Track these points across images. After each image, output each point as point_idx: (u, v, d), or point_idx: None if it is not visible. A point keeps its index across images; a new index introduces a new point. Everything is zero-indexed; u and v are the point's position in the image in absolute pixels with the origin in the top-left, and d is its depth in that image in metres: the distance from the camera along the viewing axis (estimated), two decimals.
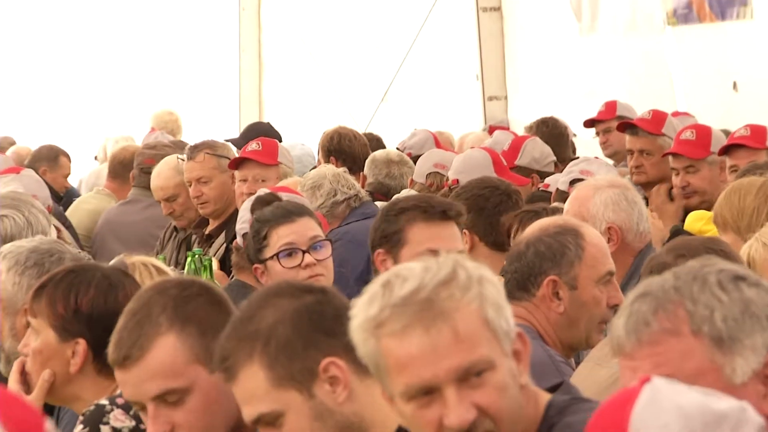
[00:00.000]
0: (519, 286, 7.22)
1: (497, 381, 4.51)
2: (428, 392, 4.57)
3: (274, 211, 8.90)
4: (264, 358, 5.02)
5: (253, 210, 9.29)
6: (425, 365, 4.57)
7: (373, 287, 4.69)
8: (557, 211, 8.63)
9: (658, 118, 12.82)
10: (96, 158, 16.89)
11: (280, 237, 8.03)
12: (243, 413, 5.06)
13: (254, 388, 5.01)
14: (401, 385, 4.62)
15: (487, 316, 4.62)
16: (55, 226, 9.15)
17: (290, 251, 7.90)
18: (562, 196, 9.67)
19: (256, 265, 8.06)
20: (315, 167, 12.83)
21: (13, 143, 18.86)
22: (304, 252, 8.02)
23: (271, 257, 8.05)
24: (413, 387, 4.58)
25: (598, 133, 13.98)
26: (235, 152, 13.06)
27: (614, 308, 7.14)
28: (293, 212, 8.74)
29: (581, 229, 7.37)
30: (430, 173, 12.85)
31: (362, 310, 4.65)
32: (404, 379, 4.60)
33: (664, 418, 3.72)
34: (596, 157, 12.91)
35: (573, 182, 10.19)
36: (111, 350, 5.57)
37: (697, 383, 4.20)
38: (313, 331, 5.09)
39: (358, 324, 4.67)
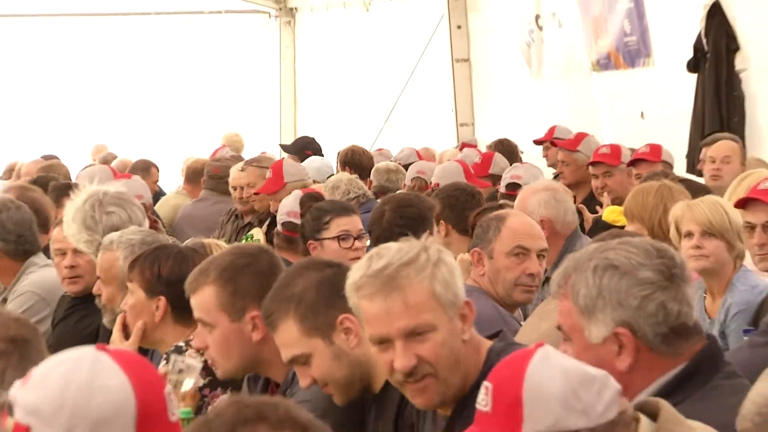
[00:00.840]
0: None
1: (437, 339, 4.75)
2: (384, 342, 4.83)
3: (334, 205, 8.94)
4: (297, 315, 5.20)
5: (302, 203, 9.25)
6: (382, 324, 4.83)
7: (363, 258, 5.00)
8: (506, 206, 8.64)
9: (577, 138, 12.98)
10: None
11: (339, 225, 7.99)
12: (282, 355, 5.25)
13: (289, 337, 5.20)
14: (369, 334, 4.95)
15: (435, 291, 4.80)
16: (153, 219, 9.13)
17: (346, 237, 7.86)
18: (504, 196, 9.79)
19: (311, 242, 7.94)
20: (331, 175, 12.91)
21: (104, 149, 18.77)
22: (354, 239, 8.03)
23: (332, 238, 8.00)
24: (375, 337, 4.88)
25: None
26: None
27: (530, 275, 7.40)
28: (349, 209, 8.72)
29: (506, 217, 7.51)
30: (414, 178, 13.04)
31: (352, 274, 4.94)
32: (370, 330, 4.92)
33: (552, 372, 3.74)
34: (524, 163, 13.23)
35: (508, 186, 10.48)
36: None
37: (572, 336, 4.56)
38: (332, 295, 5.19)
39: (348, 285, 4.95)
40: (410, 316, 4.79)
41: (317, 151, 15.79)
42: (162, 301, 6.46)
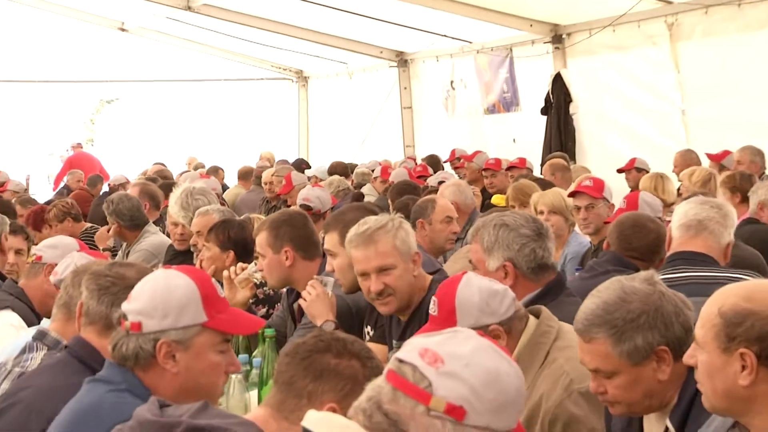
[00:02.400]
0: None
1: (396, 273, 4.80)
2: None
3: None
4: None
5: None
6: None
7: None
8: (434, 195, 8.51)
9: (473, 154, 13.00)
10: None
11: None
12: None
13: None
14: (355, 270, 4.95)
15: (396, 245, 4.84)
16: (222, 202, 9.07)
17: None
18: (433, 189, 9.60)
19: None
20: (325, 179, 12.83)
21: (195, 160, 18.50)
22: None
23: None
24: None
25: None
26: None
27: (454, 233, 7.37)
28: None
29: (436, 200, 7.51)
30: (376, 177, 12.82)
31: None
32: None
33: (472, 290, 3.81)
34: (444, 170, 13.21)
35: (439, 183, 10.14)
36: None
37: (479, 266, 4.63)
38: None
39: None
40: (380, 259, 4.84)
41: (308, 165, 15.90)
42: (230, 254, 6.26)
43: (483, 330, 3.61)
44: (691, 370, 3.03)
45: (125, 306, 3.20)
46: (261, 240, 5.61)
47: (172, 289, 3.18)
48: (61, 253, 5.09)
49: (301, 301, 5.23)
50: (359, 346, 2.95)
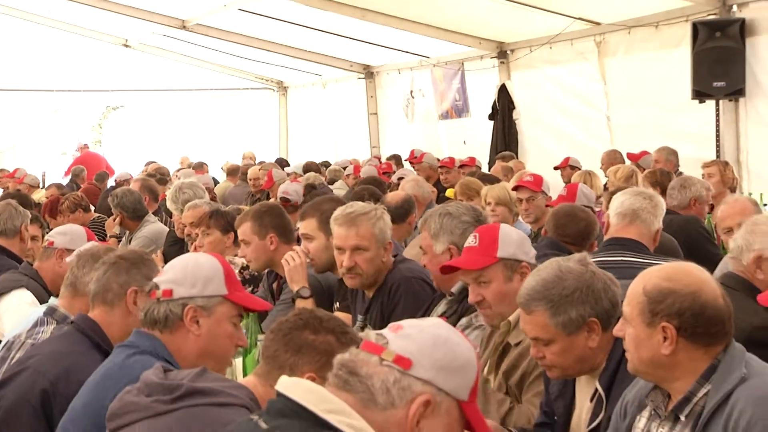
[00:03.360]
0: None
1: (368, 256, 4.71)
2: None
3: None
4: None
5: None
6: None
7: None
8: (396, 189, 8.57)
9: (423, 155, 12.88)
10: (221, 168, 16.62)
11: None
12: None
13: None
14: (334, 244, 4.86)
15: (374, 231, 4.75)
16: (212, 196, 9.08)
17: None
18: (396, 185, 9.54)
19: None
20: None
21: (187, 159, 18.24)
22: None
23: None
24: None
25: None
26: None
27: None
28: None
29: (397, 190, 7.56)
30: (348, 174, 12.75)
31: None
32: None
33: (511, 230, 3.96)
34: (404, 168, 12.90)
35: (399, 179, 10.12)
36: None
37: (427, 250, 4.57)
38: None
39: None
40: (356, 240, 4.77)
41: (287, 164, 15.84)
42: (232, 235, 6.23)
43: (514, 265, 3.83)
44: (618, 339, 3.05)
45: (157, 279, 3.22)
46: (246, 229, 5.53)
47: (200, 264, 3.22)
48: (70, 239, 5.15)
49: (283, 263, 5.16)
50: (334, 322, 2.91)
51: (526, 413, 3.67)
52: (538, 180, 7.52)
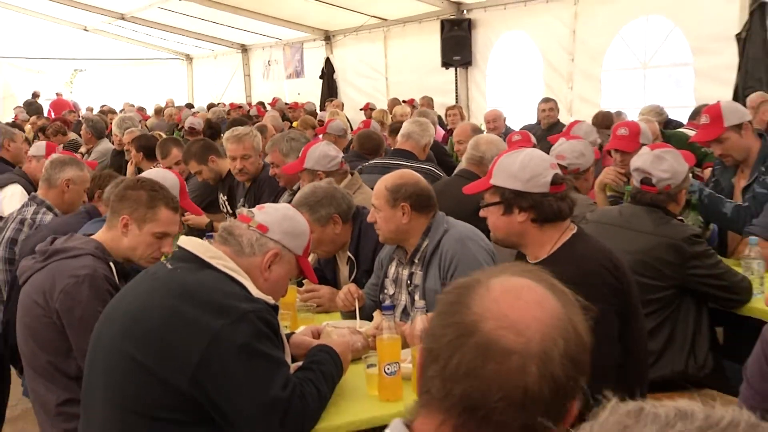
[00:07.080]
0: None
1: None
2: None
3: None
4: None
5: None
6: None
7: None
8: None
9: (274, 101, 12.29)
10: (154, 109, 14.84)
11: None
12: None
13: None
14: (229, 155, 4.42)
15: (253, 144, 4.34)
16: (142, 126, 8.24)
17: None
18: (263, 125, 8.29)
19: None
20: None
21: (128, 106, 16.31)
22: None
23: None
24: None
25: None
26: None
27: None
28: None
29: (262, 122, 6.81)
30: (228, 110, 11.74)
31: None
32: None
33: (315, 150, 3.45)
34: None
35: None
36: None
37: (280, 164, 4.12)
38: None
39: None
40: (243, 150, 4.38)
41: (193, 106, 14.16)
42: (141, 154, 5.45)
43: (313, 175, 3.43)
44: (359, 228, 2.98)
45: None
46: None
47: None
48: (36, 149, 4.98)
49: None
50: (151, 183, 2.52)
51: None
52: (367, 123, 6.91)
